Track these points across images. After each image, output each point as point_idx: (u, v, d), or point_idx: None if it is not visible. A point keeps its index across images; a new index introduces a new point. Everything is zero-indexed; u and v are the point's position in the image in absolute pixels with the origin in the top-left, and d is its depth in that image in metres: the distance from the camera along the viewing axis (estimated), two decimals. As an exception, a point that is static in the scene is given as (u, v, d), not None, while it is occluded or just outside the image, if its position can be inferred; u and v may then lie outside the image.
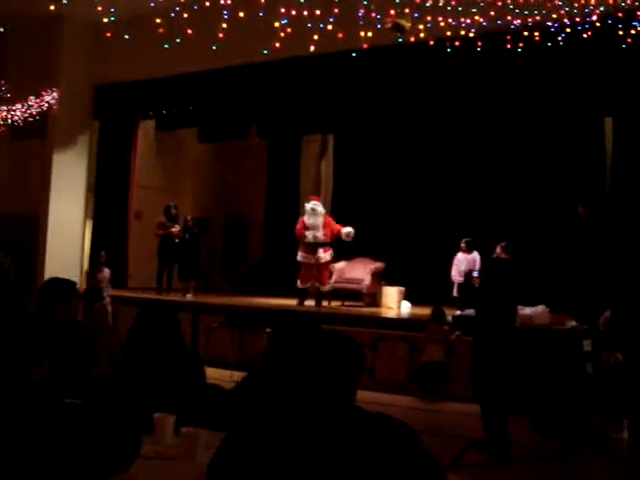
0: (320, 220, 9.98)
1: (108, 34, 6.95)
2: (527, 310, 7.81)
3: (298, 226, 10.12)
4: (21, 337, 2.21)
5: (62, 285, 3.71)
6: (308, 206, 10.14)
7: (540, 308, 7.98)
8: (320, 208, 10.13)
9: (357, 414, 2.19)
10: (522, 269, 6.57)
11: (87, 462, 2.03)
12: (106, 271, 10.00)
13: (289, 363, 3.25)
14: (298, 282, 10.12)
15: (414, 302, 10.27)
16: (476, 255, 9.79)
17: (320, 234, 9.88)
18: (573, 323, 7.44)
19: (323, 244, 9.99)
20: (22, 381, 2.10)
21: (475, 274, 9.55)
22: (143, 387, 3.16)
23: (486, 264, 9.01)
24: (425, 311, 9.37)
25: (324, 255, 10.01)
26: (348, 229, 10.06)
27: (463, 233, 10.24)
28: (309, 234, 9.90)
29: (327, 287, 10.16)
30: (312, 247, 9.94)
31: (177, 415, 2.75)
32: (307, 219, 10.02)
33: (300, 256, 10.09)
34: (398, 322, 9.01)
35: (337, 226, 10.11)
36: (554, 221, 10.18)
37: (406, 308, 10.18)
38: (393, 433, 2.13)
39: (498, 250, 9.78)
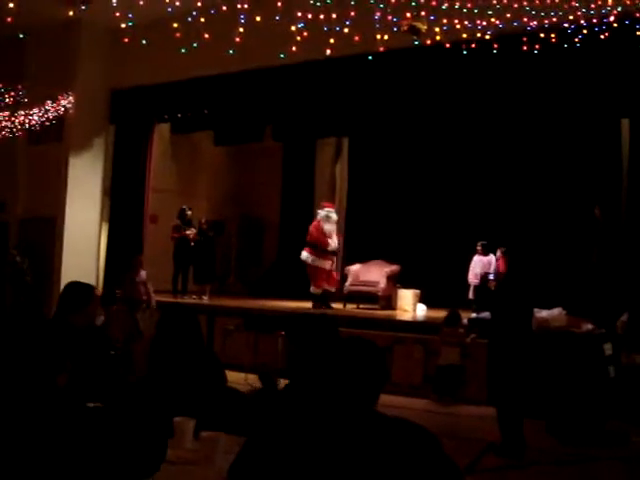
0: (335, 227, 10.16)
1: (126, 39, 6.98)
2: (543, 313, 7.75)
3: (316, 232, 10.13)
4: (46, 342, 2.22)
5: (80, 289, 3.70)
6: (322, 213, 10.18)
7: (556, 311, 7.91)
8: (334, 215, 10.24)
9: (377, 419, 2.19)
10: (536, 273, 6.52)
11: (113, 467, 2.05)
12: (143, 273, 9.81)
13: (312, 368, 3.26)
14: (312, 287, 10.17)
15: (429, 305, 10.26)
16: (492, 258, 9.76)
17: (337, 241, 10.10)
18: (590, 326, 7.38)
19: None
20: (48, 386, 2.12)
21: (491, 277, 9.56)
22: (168, 391, 3.18)
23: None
24: (440, 314, 9.34)
25: (334, 260, 10.25)
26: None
27: (478, 236, 10.22)
28: (333, 242, 10.02)
29: (334, 289, 10.33)
30: (332, 253, 10.09)
31: (199, 419, 2.76)
32: (325, 226, 10.08)
33: (313, 260, 10.11)
34: (413, 325, 8.98)
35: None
36: (570, 223, 10.11)
37: (421, 311, 10.17)
38: (414, 438, 2.13)
39: (498, 254, 9.78)
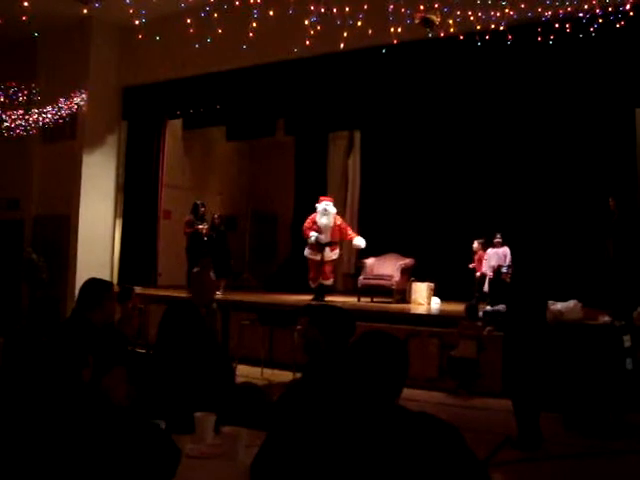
0: (331, 220, 10.15)
1: (140, 36, 6.98)
2: (558, 305, 7.71)
3: (306, 224, 10.33)
4: (67, 338, 2.23)
5: (97, 286, 3.70)
6: (320, 207, 10.24)
7: (572, 303, 7.86)
8: (331, 208, 10.26)
9: (400, 413, 2.18)
10: (547, 265, 6.47)
11: (135, 466, 2.05)
12: (212, 274, 9.68)
13: (332, 359, 3.26)
14: (310, 282, 10.36)
15: (443, 298, 10.23)
16: (506, 250, 9.71)
17: (325, 236, 10.09)
18: (606, 318, 7.34)
19: (329, 243, 10.17)
20: (74, 382, 2.13)
21: (504, 269, 9.53)
22: (175, 385, 3.19)
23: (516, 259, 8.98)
24: (454, 307, 9.33)
25: (330, 254, 10.21)
26: (359, 242, 10.34)
27: (492, 228, 10.16)
28: (313, 235, 10.12)
29: (329, 282, 10.36)
30: (318, 246, 10.17)
31: (213, 412, 2.77)
32: (319, 219, 10.16)
33: (307, 252, 10.33)
34: (428, 318, 8.95)
35: (349, 232, 10.35)
36: (585, 215, 10.05)
37: (436, 304, 10.14)
38: (438, 432, 2.12)
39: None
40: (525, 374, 5.57)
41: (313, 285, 10.35)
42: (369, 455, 2.05)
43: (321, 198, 10.51)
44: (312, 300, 10.13)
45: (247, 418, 2.95)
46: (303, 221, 10.63)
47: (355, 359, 2.27)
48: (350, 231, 10.47)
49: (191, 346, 3.31)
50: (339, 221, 10.35)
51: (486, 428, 6.03)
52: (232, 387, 3.45)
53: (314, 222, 10.23)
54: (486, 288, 9.82)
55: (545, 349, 5.69)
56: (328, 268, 10.32)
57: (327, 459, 2.12)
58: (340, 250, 10.87)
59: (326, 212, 10.14)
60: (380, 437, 2.07)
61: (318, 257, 10.20)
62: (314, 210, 10.47)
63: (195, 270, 4.57)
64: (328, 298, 10.40)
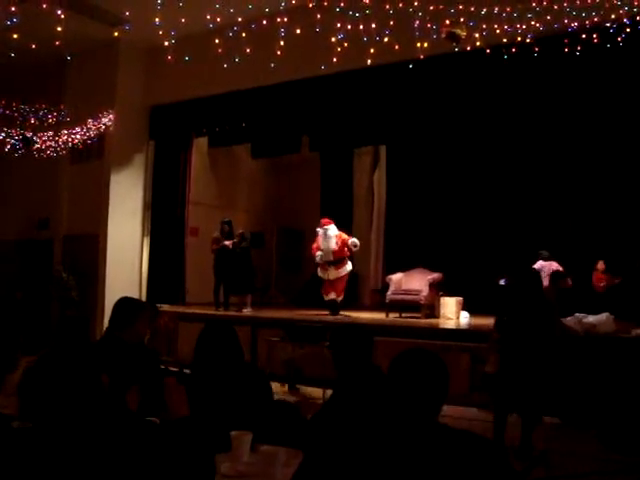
0: (332, 242, 10.22)
1: (169, 57, 7.06)
2: (590, 318, 7.62)
3: (314, 245, 10.50)
4: (100, 357, 2.23)
5: (129, 305, 3.71)
6: (320, 231, 10.33)
7: (604, 316, 7.77)
8: (331, 231, 10.31)
9: (442, 431, 2.16)
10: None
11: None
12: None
13: (359, 378, 3.24)
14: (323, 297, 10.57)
15: (473, 312, 10.14)
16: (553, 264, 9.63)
17: (328, 256, 10.23)
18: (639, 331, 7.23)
19: (334, 262, 10.27)
20: (118, 407, 2.14)
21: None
22: (212, 404, 3.18)
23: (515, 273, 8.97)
24: (484, 321, 9.23)
25: (335, 272, 10.29)
26: (352, 240, 10.35)
27: (521, 241, 10.08)
28: (318, 255, 10.31)
29: (339, 298, 10.43)
30: (324, 264, 10.33)
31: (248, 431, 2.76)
32: (320, 242, 10.28)
33: (318, 271, 10.53)
34: (458, 333, 8.86)
35: (346, 240, 10.33)
36: (615, 226, 9.93)
37: (465, 318, 10.04)
38: (481, 450, 2.10)
39: (600, 266, 9.62)
40: (527, 386, 5.50)
41: (325, 300, 10.48)
42: (412, 473, 2.03)
43: (322, 221, 10.53)
44: (327, 315, 10.23)
45: (282, 436, 2.93)
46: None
47: (396, 377, 2.26)
48: (348, 241, 10.42)
49: (230, 364, 3.31)
50: (344, 236, 10.38)
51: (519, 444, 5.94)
52: (270, 406, 3.43)
53: (319, 245, 10.36)
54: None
55: (550, 360, 5.59)
56: (338, 285, 10.39)
57: (369, 478, 2.10)
58: (362, 266, 10.88)
59: (326, 236, 10.24)
60: (423, 455, 2.05)
61: (325, 275, 10.38)
62: (341, 225, 10.53)
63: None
64: (354, 314, 10.42)
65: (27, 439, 1.94)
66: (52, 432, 1.93)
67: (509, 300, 6.08)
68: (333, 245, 10.20)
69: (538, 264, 9.64)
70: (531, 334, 5.57)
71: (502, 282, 9.52)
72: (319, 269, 10.46)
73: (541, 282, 5.96)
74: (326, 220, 10.53)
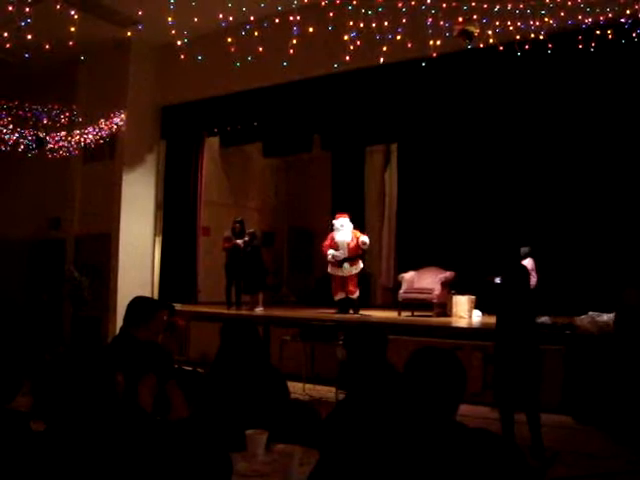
0: (349, 236, 10.19)
1: (182, 56, 7.07)
2: (605, 317, 7.55)
3: (325, 243, 10.41)
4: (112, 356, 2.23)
5: (143, 304, 3.72)
6: (337, 223, 10.28)
7: (619, 314, 7.70)
8: (348, 224, 10.28)
9: (460, 430, 2.15)
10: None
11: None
12: None
13: (373, 378, 3.23)
14: (333, 296, 10.45)
15: (485, 311, 10.09)
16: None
17: (343, 252, 10.14)
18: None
19: (349, 258, 10.20)
20: (131, 407, 2.13)
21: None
22: (231, 403, 3.18)
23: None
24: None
25: (350, 268, 10.22)
26: (362, 238, 10.26)
27: (532, 239, 10.01)
28: (330, 253, 10.20)
29: (354, 296, 10.36)
30: (338, 262, 10.22)
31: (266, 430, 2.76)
32: (336, 236, 10.20)
33: (329, 269, 10.41)
34: (470, 331, 8.83)
35: (359, 238, 10.28)
36: (626, 225, 9.84)
37: (477, 317, 10.00)
38: (498, 450, 2.09)
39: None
40: (516, 384, 5.50)
41: (335, 299, 10.38)
42: (431, 473, 2.02)
43: (337, 215, 10.52)
44: (335, 313, 10.21)
45: (297, 435, 2.92)
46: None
47: (414, 376, 2.25)
48: (359, 239, 10.36)
49: (250, 363, 3.31)
50: (357, 235, 10.33)
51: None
52: (286, 405, 3.43)
53: (332, 239, 10.27)
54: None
55: (536, 359, 5.59)
56: (351, 282, 10.33)
57: (386, 477, 2.09)
58: (374, 264, 10.85)
59: (342, 228, 10.18)
60: (440, 454, 2.04)
61: (338, 272, 10.27)
62: (352, 224, 10.46)
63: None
64: (367, 312, 10.38)
65: (41, 438, 1.94)
66: (67, 432, 1.93)
67: (500, 297, 6.06)
68: (348, 238, 10.16)
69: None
70: (518, 330, 5.57)
71: (497, 280, 9.48)
72: (330, 267, 10.37)
73: (528, 279, 5.93)
74: (342, 213, 10.51)
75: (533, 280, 9.62)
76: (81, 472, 1.86)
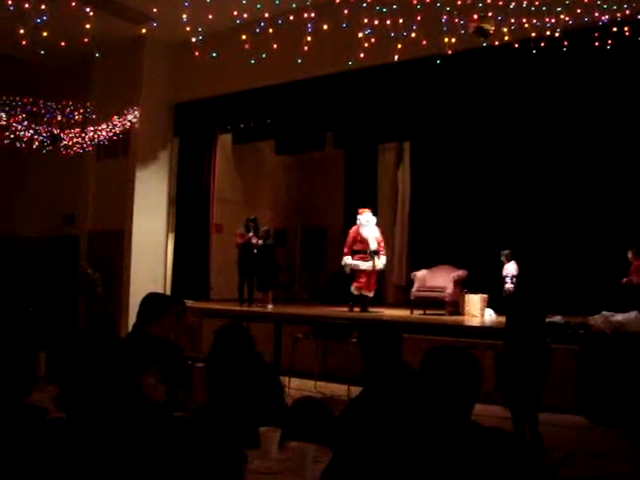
0: (375, 231, 10.32)
1: (196, 53, 7.08)
2: (618, 316, 7.50)
3: (350, 235, 10.45)
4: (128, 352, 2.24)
5: (156, 301, 3.73)
6: (363, 218, 10.32)
7: (633, 314, 7.65)
8: (373, 219, 10.38)
9: (474, 429, 2.14)
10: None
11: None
12: None
13: (388, 376, 3.22)
14: (352, 288, 10.39)
15: (497, 309, 10.05)
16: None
17: (373, 243, 10.21)
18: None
19: (377, 252, 10.28)
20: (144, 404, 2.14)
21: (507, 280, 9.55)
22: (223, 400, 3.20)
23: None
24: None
25: (377, 262, 10.29)
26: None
27: (547, 238, 9.97)
28: (358, 245, 10.26)
29: (372, 293, 10.43)
30: (365, 254, 10.28)
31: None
32: (363, 231, 10.27)
33: (357, 262, 10.34)
34: (483, 330, 8.81)
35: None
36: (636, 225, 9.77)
37: (489, 315, 9.98)
38: (513, 449, 2.08)
39: (630, 255, 9.43)
40: (522, 385, 5.45)
41: (354, 291, 10.36)
42: (444, 471, 2.01)
43: (360, 210, 10.53)
44: (349, 311, 10.26)
45: (310, 433, 2.92)
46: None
47: (429, 375, 2.24)
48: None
49: (239, 363, 3.33)
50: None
51: (547, 444, 5.89)
52: (281, 404, 3.44)
53: (358, 234, 10.31)
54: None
55: (542, 360, 5.52)
56: (374, 278, 10.39)
57: (400, 476, 2.09)
58: (386, 262, 10.88)
59: (368, 223, 10.24)
60: (455, 453, 2.04)
61: (364, 267, 10.27)
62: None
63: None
64: (379, 310, 10.41)
65: (62, 431, 1.96)
66: (89, 425, 1.94)
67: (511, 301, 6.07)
68: (376, 233, 10.29)
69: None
70: (526, 330, 5.54)
71: (505, 251, 9.68)
72: (353, 260, 10.33)
73: (536, 285, 5.92)
74: (364, 209, 10.55)
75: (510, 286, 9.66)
76: (97, 464, 1.87)
